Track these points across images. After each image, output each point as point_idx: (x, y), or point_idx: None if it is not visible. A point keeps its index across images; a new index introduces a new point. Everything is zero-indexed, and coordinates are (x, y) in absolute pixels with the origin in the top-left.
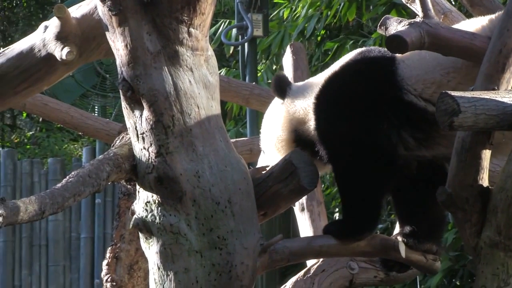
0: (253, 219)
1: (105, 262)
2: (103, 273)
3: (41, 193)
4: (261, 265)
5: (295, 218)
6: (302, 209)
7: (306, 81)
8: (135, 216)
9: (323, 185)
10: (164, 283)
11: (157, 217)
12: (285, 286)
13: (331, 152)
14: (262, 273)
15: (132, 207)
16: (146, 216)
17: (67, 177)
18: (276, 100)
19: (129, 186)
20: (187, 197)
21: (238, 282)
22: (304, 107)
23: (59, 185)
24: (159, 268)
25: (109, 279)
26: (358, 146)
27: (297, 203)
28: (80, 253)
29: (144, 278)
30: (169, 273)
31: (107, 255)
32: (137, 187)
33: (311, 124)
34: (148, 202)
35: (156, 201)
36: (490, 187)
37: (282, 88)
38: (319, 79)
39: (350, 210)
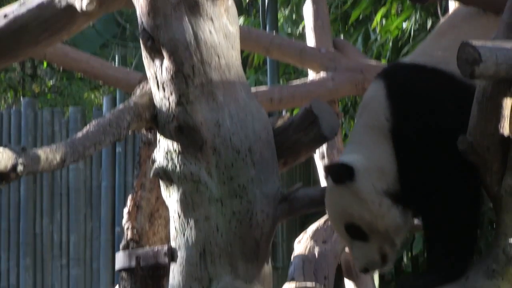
0: (273, 168)
1: (126, 210)
2: (124, 221)
3: (62, 142)
4: (282, 213)
5: (315, 166)
6: (323, 157)
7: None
8: (155, 165)
9: (343, 134)
10: (185, 231)
11: (178, 166)
12: (306, 232)
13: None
14: (282, 221)
15: (153, 156)
16: (167, 165)
17: (88, 126)
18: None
19: (149, 135)
20: (208, 146)
21: (259, 230)
22: (381, 156)
23: (79, 134)
24: (179, 216)
25: (130, 227)
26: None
27: (317, 151)
28: (101, 201)
29: (165, 226)
30: (189, 221)
31: (128, 203)
32: (158, 136)
33: (394, 170)
34: (169, 151)
35: (177, 150)
36: (511, 136)
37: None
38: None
39: (451, 248)
